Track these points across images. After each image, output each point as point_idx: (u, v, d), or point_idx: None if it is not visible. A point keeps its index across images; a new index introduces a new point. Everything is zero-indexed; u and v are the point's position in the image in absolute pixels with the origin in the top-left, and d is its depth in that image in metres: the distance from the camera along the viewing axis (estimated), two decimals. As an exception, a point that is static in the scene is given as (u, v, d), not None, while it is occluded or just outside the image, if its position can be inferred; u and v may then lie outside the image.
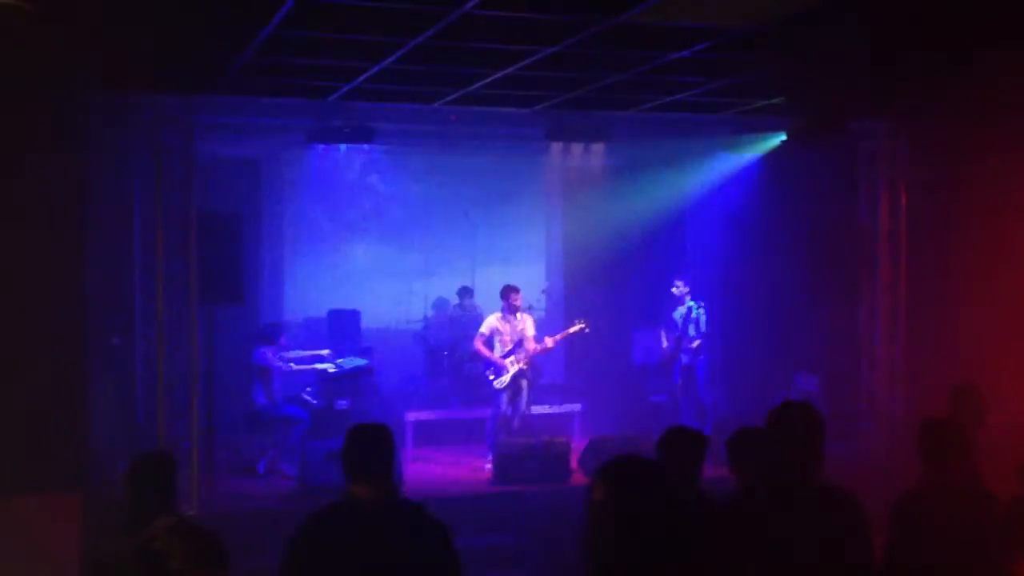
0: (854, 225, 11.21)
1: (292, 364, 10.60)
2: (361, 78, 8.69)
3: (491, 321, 10.67)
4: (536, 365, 11.00)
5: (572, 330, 10.78)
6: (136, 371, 9.54)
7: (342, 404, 11.14)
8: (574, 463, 10.02)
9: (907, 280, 10.86)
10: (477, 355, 10.78)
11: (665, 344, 11.50)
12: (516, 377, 10.53)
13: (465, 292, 12.65)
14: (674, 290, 11.45)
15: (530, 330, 10.63)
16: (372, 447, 4.09)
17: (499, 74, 8.61)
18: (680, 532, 3.63)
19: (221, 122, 9.78)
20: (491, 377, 10.54)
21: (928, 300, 10.42)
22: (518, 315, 10.62)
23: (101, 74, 7.80)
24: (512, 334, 10.58)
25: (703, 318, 11.27)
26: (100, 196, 8.50)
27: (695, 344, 11.21)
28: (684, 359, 11.31)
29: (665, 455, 4.92)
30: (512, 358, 10.52)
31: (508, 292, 10.61)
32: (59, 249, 7.63)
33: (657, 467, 4.01)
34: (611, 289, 12.88)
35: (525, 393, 10.59)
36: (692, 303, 11.27)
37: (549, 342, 10.66)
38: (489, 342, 10.60)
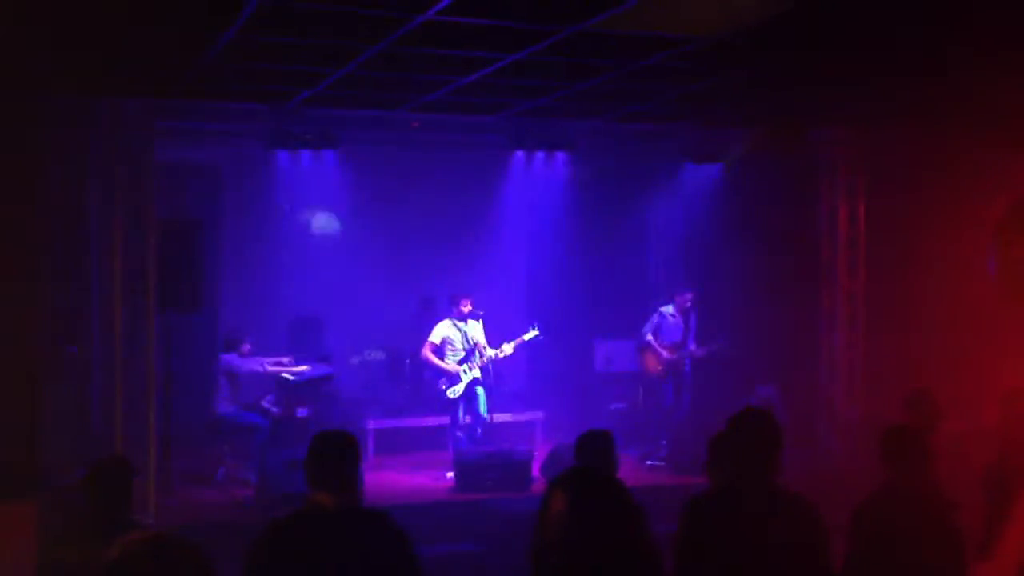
0: (813, 233, 11.29)
1: (266, 366, 10.50)
2: (323, 84, 8.64)
3: (441, 329, 10.59)
4: (498, 373, 10.95)
5: (526, 337, 10.69)
6: (93, 378, 9.41)
7: (302, 412, 11.05)
8: (536, 471, 10.00)
9: (865, 288, 10.95)
10: (427, 364, 10.70)
11: (666, 355, 11.40)
12: (471, 385, 10.48)
13: (426, 300, 12.59)
14: (684, 302, 11.29)
15: (481, 337, 10.59)
16: (337, 456, 4.09)
17: (462, 81, 8.60)
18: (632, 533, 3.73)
19: (181, 127, 9.69)
20: (443, 387, 10.47)
21: (886, 308, 10.52)
22: (468, 322, 10.57)
23: (57, 77, 7.70)
24: (463, 341, 10.53)
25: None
26: (56, 200, 8.39)
27: (693, 350, 11.25)
28: (687, 367, 11.32)
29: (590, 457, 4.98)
30: (466, 366, 10.48)
31: (458, 299, 10.55)
32: (13, 255, 7.52)
33: (606, 476, 4.09)
34: (573, 297, 12.89)
35: (483, 400, 10.53)
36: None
37: (507, 348, 10.60)
38: (440, 351, 10.54)
